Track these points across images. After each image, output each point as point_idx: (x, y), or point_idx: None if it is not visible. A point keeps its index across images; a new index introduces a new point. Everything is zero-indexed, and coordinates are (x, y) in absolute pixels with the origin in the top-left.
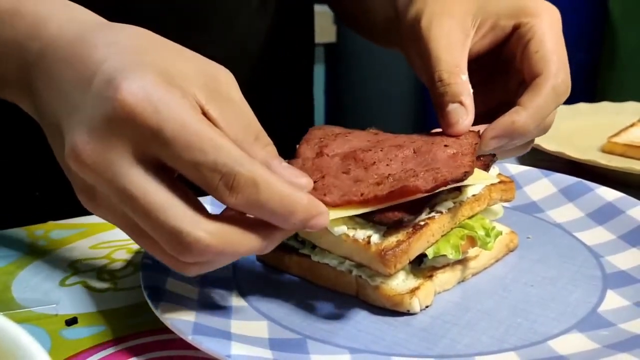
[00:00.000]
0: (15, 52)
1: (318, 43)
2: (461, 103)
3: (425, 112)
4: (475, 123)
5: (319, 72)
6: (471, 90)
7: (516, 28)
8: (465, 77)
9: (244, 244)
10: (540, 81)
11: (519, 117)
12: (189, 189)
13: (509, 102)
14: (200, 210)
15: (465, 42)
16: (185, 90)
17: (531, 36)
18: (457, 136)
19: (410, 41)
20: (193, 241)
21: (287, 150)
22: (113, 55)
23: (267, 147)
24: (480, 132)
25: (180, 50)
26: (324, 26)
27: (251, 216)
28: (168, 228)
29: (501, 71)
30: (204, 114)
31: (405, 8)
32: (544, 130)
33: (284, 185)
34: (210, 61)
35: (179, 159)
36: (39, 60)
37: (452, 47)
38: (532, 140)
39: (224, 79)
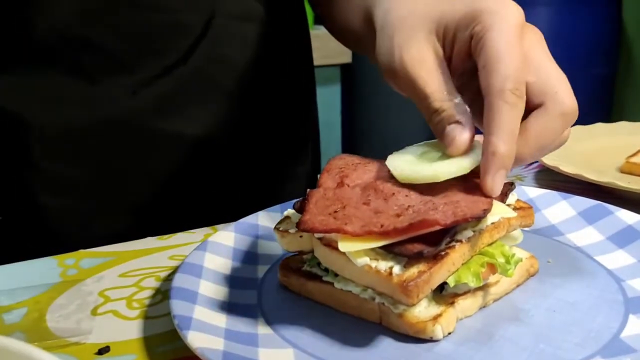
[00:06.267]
0: None
1: (334, 64)
2: (457, 122)
3: None
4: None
5: (334, 93)
6: (467, 109)
7: (471, 38)
8: (458, 98)
9: None
10: (488, 102)
11: (493, 147)
12: None
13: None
14: None
15: (442, 63)
16: None
17: (480, 47)
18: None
19: (389, 72)
20: None
21: (285, 172)
22: None
23: None
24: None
25: None
26: (340, 47)
27: None
28: None
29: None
30: None
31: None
32: (559, 143)
33: None
34: None
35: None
36: None
37: (432, 75)
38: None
39: None
